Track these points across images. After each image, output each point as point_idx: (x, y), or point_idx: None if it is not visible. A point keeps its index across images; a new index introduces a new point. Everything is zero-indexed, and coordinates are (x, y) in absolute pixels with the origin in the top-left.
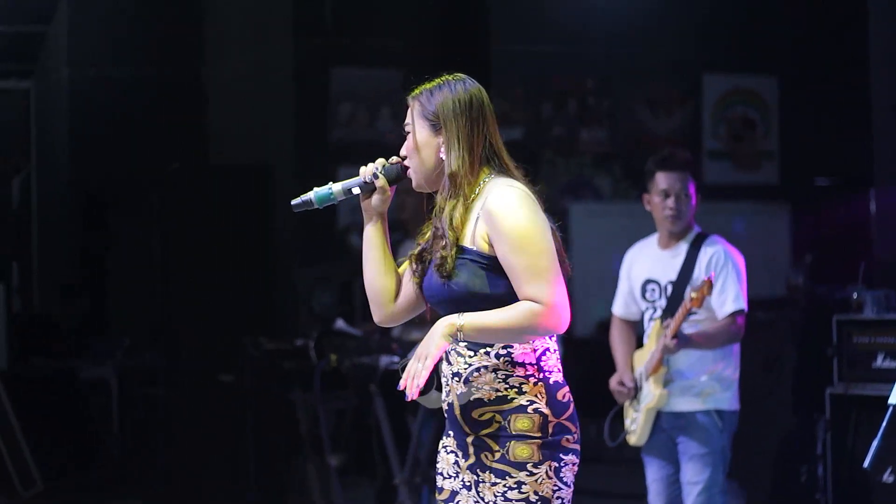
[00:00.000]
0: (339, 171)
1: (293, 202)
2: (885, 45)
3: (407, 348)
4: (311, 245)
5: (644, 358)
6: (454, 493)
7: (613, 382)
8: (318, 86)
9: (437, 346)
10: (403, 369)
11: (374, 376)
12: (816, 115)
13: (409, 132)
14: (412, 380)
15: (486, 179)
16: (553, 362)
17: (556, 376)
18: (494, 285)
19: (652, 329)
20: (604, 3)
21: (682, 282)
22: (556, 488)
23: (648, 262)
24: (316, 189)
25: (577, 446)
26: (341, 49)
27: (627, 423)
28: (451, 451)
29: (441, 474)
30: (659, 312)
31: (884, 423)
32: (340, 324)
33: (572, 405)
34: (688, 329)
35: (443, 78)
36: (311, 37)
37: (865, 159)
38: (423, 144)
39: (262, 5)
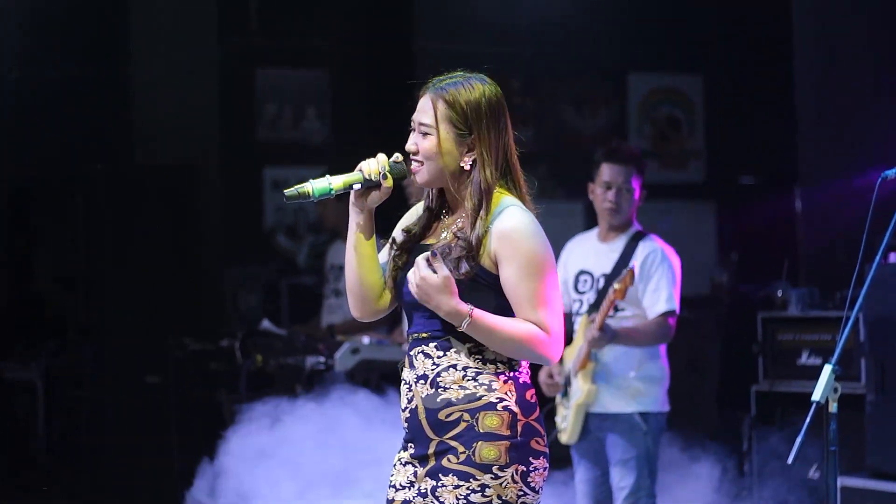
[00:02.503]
0: (264, 172)
1: (287, 193)
2: (808, 44)
3: (333, 349)
4: (236, 245)
5: (573, 354)
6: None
7: (543, 376)
8: (243, 85)
9: (436, 302)
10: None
11: (300, 377)
12: (741, 113)
13: (426, 133)
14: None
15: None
16: (523, 363)
17: (525, 377)
18: (476, 300)
19: (580, 324)
20: (529, 3)
21: (615, 276)
22: (521, 493)
23: (585, 254)
24: (312, 182)
25: (547, 450)
26: (266, 49)
27: (558, 420)
28: (408, 463)
29: (393, 486)
30: (586, 307)
31: (807, 420)
32: (266, 324)
33: (538, 409)
34: (617, 326)
35: (464, 75)
36: (236, 36)
37: (790, 158)
38: (446, 152)
39: (187, 5)
